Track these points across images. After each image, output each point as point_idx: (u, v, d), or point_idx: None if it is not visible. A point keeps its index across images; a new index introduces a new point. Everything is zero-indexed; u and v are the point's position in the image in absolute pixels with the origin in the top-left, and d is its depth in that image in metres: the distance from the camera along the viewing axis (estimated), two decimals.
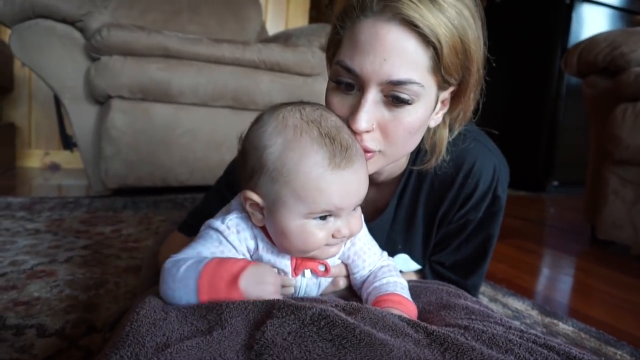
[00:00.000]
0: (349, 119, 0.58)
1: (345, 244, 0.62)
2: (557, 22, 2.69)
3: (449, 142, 0.71)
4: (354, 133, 0.57)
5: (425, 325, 0.47)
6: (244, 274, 0.50)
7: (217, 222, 0.57)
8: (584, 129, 1.93)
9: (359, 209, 0.58)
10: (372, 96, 0.57)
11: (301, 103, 0.57)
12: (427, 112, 0.60)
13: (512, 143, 2.54)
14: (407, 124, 0.59)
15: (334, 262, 0.63)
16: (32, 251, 1.13)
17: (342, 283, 0.65)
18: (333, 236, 0.54)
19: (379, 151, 0.61)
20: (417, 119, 0.59)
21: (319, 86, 2.05)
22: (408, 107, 0.58)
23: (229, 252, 0.55)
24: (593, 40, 1.61)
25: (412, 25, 0.54)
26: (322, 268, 0.60)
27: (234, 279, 0.50)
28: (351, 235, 0.57)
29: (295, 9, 3.04)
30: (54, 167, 2.55)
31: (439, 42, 0.55)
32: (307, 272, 0.60)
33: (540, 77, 2.77)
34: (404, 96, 0.57)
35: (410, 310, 0.58)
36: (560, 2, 2.66)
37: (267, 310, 0.45)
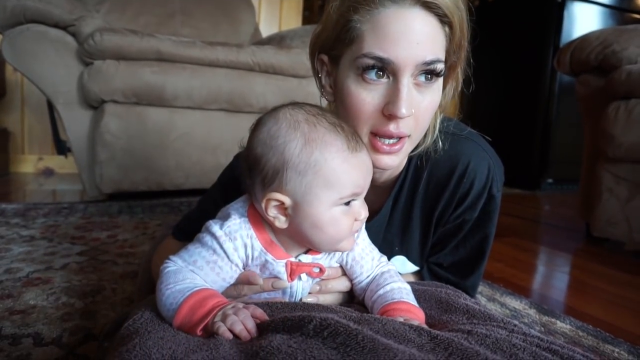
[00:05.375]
0: (386, 108, 0.60)
1: None
2: (549, 20, 2.70)
3: (443, 141, 0.72)
4: (392, 119, 0.59)
5: (429, 329, 0.47)
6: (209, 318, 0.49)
7: (216, 227, 0.57)
8: (577, 126, 1.95)
9: None
10: (407, 81, 0.59)
11: (297, 103, 0.58)
12: (441, 89, 0.65)
13: (506, 141, 2.55)
14: (433, 102, 0.63)
15: (330, 264, 0.63)
16: (27, 258, 1.12)
17: (331, 285, 0.64)
18: (355, 220, 0.57)
19: (409, 136, 0.63)
20: (438, 96, 0.64)
21: (314, 88, 2.03)
22: (433, 86, 0.62)
23: (221, 262, 0.56)
24: (585, 38, 1.62)
25: (431, 8, 0.58)
26: (316, 270, 0.60)
27: (200, 322, 0.49)
28: (365, 217, 0.58)
29: (288, 11, 3.04)
30: (48, 173, 2.53)
31: (454, 21, 0.60)
32: (303, 275, 0.60)
33: (533, 75, 2.78)
34: (439, 70, 0.60)
35: (419, 317, 0.58)
36: (552, 0, 2.68)
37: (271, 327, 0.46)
